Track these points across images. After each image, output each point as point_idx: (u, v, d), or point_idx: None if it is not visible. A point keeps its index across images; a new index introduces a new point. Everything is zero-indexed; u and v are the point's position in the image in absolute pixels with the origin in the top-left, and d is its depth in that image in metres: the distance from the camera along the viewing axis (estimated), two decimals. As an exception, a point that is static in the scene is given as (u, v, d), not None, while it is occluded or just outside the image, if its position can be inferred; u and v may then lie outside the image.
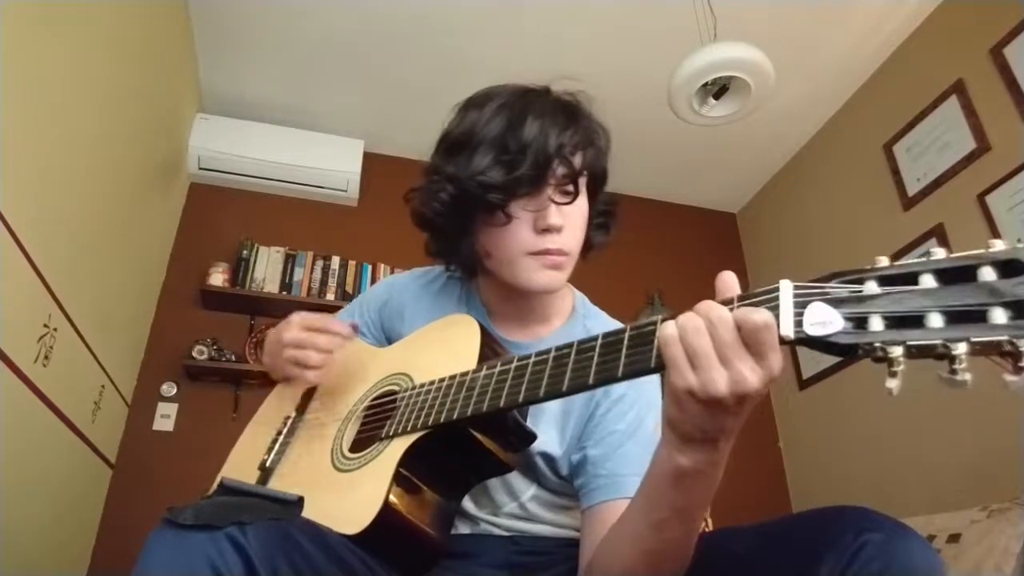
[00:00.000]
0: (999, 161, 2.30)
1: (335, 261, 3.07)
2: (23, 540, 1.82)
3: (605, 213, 0.97)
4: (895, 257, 0.48)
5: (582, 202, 0.88)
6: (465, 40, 2.75)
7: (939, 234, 2.50)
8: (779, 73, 2.15)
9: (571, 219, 0.86)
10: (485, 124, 0.84)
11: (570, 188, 0.85)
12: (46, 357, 1.76)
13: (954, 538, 1.69)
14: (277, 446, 0.95)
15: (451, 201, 0.86)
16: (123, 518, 2.46)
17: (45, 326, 1.75)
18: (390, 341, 1.05)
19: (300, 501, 0.70)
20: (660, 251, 3.53)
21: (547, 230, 0.84)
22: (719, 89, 2.19)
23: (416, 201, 0.92)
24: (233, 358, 2.77)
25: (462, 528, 0.91)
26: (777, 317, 0.51)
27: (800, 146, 3.39)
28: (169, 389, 2.74)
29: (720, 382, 0.51)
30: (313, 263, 3.04)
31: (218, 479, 1.02)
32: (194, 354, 2.71)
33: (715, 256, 3.71)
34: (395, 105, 3.13)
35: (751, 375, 0.51)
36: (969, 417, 2.21)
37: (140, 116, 2.35)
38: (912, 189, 2.66)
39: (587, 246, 0.94)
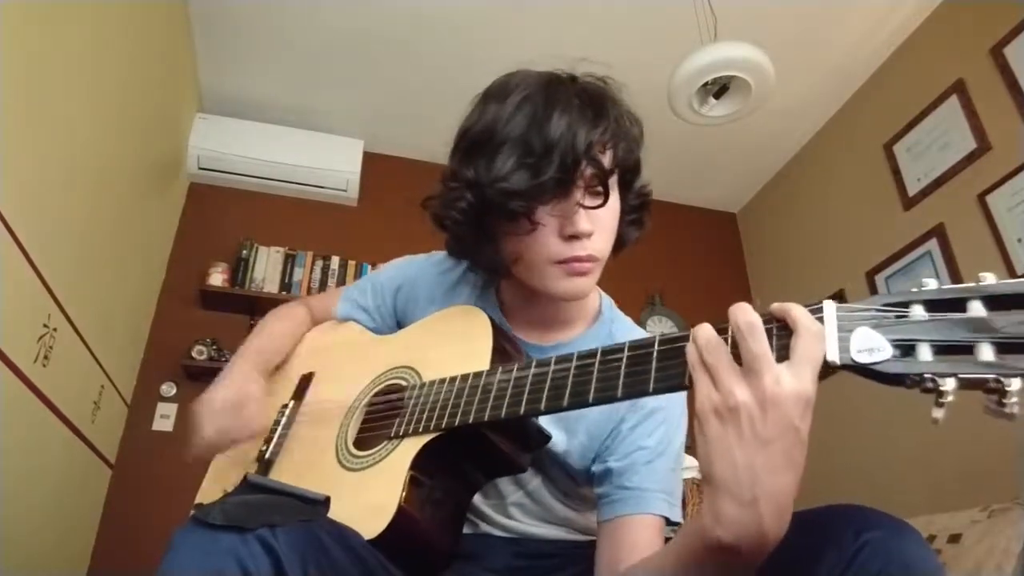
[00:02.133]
0: (999, 161, 2.30)
1: (335, 261, 3.07)
2: (23, 540, 1.82)
3: (639, 207, 0.90)
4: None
5: (613, 202, 0.81)
6: (465, 40, 2.75)
7: (939, 234, 2.50)
8: (779, 73, 2.14)
9: (601, 222, 0.79)
10: (507, 121, 0.76)
11: (600, 190, 0.78)
12: (46, 357, 1.76)
13: (955, 538, 1.68)
14: (276, 437, 0.92)
15: (471, 209, 0.79)
16: (123, 518, 2.46)
17: (45, 326, 1.75)
18: (401, 327, 1.01)
19: (327, 501, 0.69)
20: (660, 251, 3.53)
21: (575, 236, 0.77)
22: (719, 89, 2.19)
23: (435, 208, 0.85)
24: (233, 358, 2.76)
25: (464, 528, 0.89)
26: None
27: (800, 146, 3.38)
28: (169, 389, 2.74)
29: (739, 391, 0.50)
30: (313, 263, 3.04)
31: (214, 464, 1.02)
32: (193, 354, 2.71)
33: (715, 256, 3.71)
34: (395, 105, 3.13)
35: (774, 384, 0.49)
36: (969, 417, 2.20)
37: (140, 116, 2.35)
38: (912, 189, 2.65)
39: (619, 243, 0.87)
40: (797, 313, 0.51)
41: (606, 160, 0.78)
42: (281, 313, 1.11)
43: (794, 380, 0.49)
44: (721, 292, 3.53)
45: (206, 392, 0.90)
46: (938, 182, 2.53)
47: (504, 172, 0.75)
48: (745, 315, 0.51)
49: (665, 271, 3.49)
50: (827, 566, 0.57)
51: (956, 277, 2.41)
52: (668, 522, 0.82)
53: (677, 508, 0.84)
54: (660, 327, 3.41)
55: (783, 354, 0.50)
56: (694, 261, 3.63)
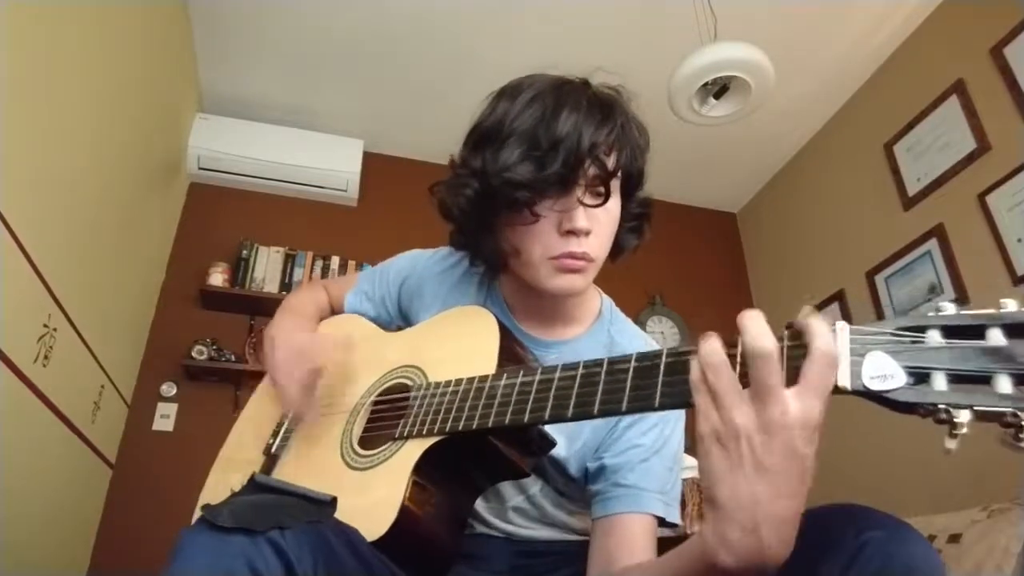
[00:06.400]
0: (999, 161, 2.30)
1: (335, 261, 3.07)
2: (23, 540, 1.82)
3: (639, 216, 0.92)
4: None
5: (613, 205, 0.83)
6: (465, 40, 2.75)
7: (939, 234, 2.50)
8: (779, 73, 2.15)
9: (599, 222, 0.81)
10: (516, 116, 0.79)
11: (601, 190, 0.80)
12: (46, 357, 1.76)
13: (954, 538, 1.68)
14: (282, 431, 0.93)
15: (476, 197, 0.82)
16: (123, 518, 2.46)
17: (45, 326, 1.75)
18: (405, 319, 1.03)
19: (334, 502, 0.69)
20: (660, 251, 3.52)
21: (572, 232, 0.79)
22: (719, 89, 2.19)
23: (441, 194, 0.88)
24: (233, 358, 2.77)
25: (462, 529, 0.90)
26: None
27: (800, 146, 3.38)
28: (169, 389, 2.74)
29: (739, 417, 0.48)
30: (313, 263, 3.04)
31: (218, 462, 1.02)
32: (194, 354, 2.71)
33: (715, 256, 3.72)
34: (395, 105, 3.12)
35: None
36: (969, 417, 2.21)
37: (140, 116, 2.35)
38: (912, 189, 2.65)
39: (617, 248, 0.89)
40: (817, 335, 0.47)
41: (610, 162, 0.80)
42: (307, 296, 1.11)
43: (801, 409, 0.47)
44: (721, 292, 3.54)
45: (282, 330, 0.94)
46: (938, 182, 2.53)
47: (510, 163, 0.77)
48: (759, 339, 0.48)
49: (665, 271, 3.48)
50: (828, 566, 0.57)
51: (956, 278, 2.41)
52: (663, 522, 0.82)
53: (673, 509, 0.83)
54: (660, 327, 3.41)
55: (793, 375, 0.48)
56: (694, 261, 3.63)
